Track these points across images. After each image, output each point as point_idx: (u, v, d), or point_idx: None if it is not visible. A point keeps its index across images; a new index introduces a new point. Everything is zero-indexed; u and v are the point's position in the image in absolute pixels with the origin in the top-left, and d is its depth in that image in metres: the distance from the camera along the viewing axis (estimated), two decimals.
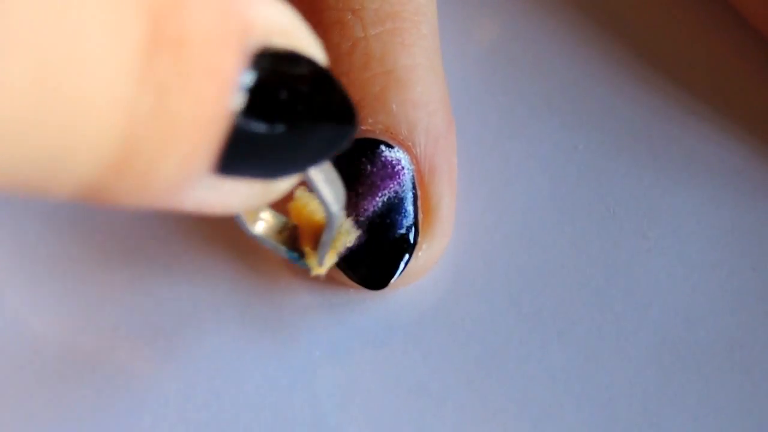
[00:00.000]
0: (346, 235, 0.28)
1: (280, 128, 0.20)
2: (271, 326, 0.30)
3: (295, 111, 0.20)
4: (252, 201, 0.21)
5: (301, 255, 0.27)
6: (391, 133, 0.29)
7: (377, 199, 0.28)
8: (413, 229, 0.29)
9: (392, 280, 0.29)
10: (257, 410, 0.29)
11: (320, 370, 0.29)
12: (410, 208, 0.29)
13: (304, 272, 0.29)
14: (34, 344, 0.29)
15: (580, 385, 0.29)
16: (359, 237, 0.28)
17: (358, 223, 0.28)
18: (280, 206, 0.27)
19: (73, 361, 0.29)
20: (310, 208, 0.27)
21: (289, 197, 0.26)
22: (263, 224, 0.27)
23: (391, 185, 0.28)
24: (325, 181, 0.24)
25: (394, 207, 0.29)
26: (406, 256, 0.29)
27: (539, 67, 0.33)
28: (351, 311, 0.30)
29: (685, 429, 0.29)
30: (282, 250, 0.27)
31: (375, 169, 0.28)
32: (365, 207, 0.28)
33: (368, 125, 0.29)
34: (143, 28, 0.18)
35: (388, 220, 0.28)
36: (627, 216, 0.31)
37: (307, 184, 0.24)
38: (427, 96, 0.29)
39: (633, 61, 0.33)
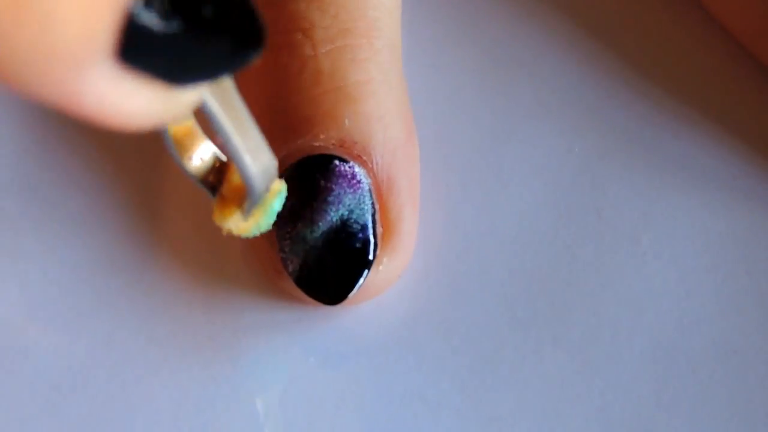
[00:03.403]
0: (275, 197, 0.27)
1: (174, 26, 0.19)
2: (265, 333, 0.30)
3: (191, 12, 0.19)
4: (154, 108, 0.20)
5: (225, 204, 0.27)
6: (345, 148, 0.29)
7: (332, 213, 0.28)
8: (371, 243, 0.28)
9: (350, 295, 0.28)
10: (252, 417, 0.29)
11: (315, 376, 0.29)
12: (368, 222, 0.28)
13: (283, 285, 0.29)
14: (27, 350, 0.29)
15: (575, 390, 0.29)
16: (314, 254, 0.28)
17: (313, 239, 0.28)
18: None
19: (66, 368, 0.29)
20: None
21: None
22: (199, 161, 0.26)
23: (347, 199, 0.28)
24: (241, 138, 0.23)
25: (351, 221, 0.28)
26: (364, 271, 0.28)
27: (534, 71, 0.33)
28: (346, 318, 0.30)
29: None
30: (208, 192, 0.27)
31: (329, 184, 0.28)
32: (319, 221, 0.28)
33: (321, 141, 0.28)
34: None
35: (343, 235, 0.28)
36: (621, 220, 0.31)
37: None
38: (381, 109, 0.29)
39: (628, 66, 0.33)
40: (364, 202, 0.28)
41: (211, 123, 0.23)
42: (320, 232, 0.28)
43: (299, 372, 0.29)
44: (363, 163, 0.29)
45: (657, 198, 0.31)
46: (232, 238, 0.31)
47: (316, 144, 0.28)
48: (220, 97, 0.22)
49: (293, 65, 0.29)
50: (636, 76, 0.33)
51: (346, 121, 0.29)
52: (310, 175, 0.28)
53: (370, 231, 0.28)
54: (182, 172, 0.26)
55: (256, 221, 0.27)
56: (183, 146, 0.26)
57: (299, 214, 0.28)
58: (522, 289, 0.30)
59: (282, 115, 0.29)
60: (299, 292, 0.29)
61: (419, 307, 0.30)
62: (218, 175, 0.26)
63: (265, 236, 0.29)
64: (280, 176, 0.28)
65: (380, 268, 0.29)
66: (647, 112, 0.33)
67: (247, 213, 0.26)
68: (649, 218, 0.31)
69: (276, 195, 0.27)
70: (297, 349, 0.30)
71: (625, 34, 0.34)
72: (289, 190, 0.28)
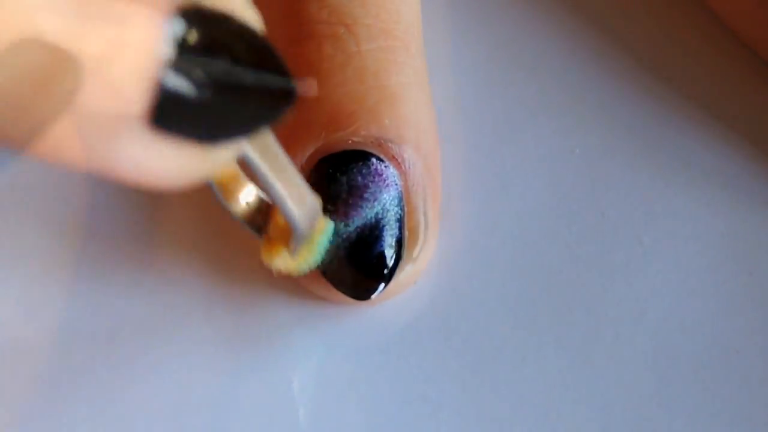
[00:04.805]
0: (321, 235, 0.28)
1: (206, 92, 0.19)
2: (266, 333, 0.30)
3: (223, 76, 0.20)
4: (190, 168, 0.20)
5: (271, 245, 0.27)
6: (383, 147, 0.29)
7: (367, 210, 0.28)
8: (399, 243, 0.29)
9: (376, 293, 0.29)
10: (251, 417, 0.29)
11: (316, 376, 0.29)
12: (396, 222, 0.29)
13: (301, 279, 0.29)
14: (29, 350, 0.29)
15: (577, 390, 0.29)
16: (345, 249, 0.28)
17: (347, 233, 0.28)
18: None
19: (67, 367, 0.29)
20: None
21: None
22: (244, 204, 0.27)
23: (382, 197, 0.29)
24: (282, 185, 0.24)
25: (383, 219, 0.28)
26: (391, 268, 0.28)
27: (536, 70, 0.33)
28: (347, 318, 0.30)
29: None
30: (255, 234, 0.27)
31: (366, 181, 0.28)
32: (354, 216, 0.28)
33: (361, 137, 0.29)
34: None
35: (376, 233, 0.28)
36: (623, 220, 0.31)
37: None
38: (417, 114, 0.29)
39: (630, 65, 0.33)
40: (395, 203, 0.29)
41: (252, 172, 0.23)
42: (354, 227, 0.28)
43: (300, 372, 0.29)
44: (397, 165, 0.29)
45: (659, 197, 0.31)
46: (232, 241, 0.31)
47: (356, 139, 0.29)
48: (259, 147, 0.23)
49: (337, 58, 0.29)
50: (638, 75, 0.33)
51: (387, 121, 0.29)
52: (347, 169, 0.28)
53: (398, 232, 0.29)
54: (229, 215, 0.27)
55: (304, 259, 0.28)
56: (227, 190, 0.26)
57: (333, 207, 0.28)
58: (523, 289, 0.30)
59: (323, 105, 0.29)
60: (321, 287, 0.29)
61: (419, 307, 0.30)
62: (264, 216, 0.27)
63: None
64: (315, 166, 0.29)
65: (404, 269, 0.29)
66: (650, 112, 0.33)
67: (293, 252, 0.27)
68: (651, 218, 0.31)
69: (322, 232, 0.27)
70: (298, 349, 0.30)
71: (628, 33, 0.34)
72: (323, 182, 0.28)
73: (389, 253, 0.28)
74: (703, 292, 0.30)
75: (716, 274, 0.30)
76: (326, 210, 0.28)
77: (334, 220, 0.28)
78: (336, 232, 0.28)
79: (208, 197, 0.31)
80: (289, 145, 0.29)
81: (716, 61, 0.33)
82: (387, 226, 0.29)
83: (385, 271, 0.28)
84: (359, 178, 0.28)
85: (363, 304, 0.29)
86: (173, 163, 0.20)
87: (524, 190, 0.32)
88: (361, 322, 0.30)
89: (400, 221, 0.29)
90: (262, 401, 0.29)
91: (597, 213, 0.31)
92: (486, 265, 0.31)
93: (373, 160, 0.29)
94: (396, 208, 0.29)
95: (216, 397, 0.29)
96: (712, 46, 0.34)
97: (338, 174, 0.28)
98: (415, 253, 0.29)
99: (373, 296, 0.29)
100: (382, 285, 0.29)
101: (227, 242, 0.31)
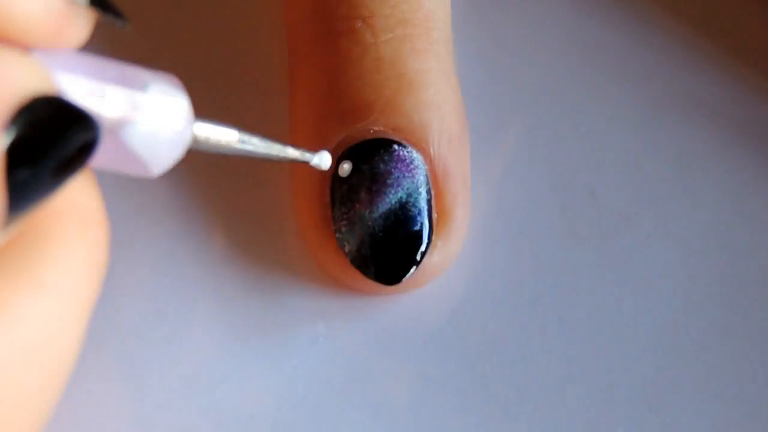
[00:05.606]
0: None
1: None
2: (267, 332, 0.30)
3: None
4: None
5: None
6: (405, 134, 0.30)
7: (390, 196, 0.29)
8: (427, 226, 0.29)
9: (407, 275, 0.29)
10: (255, 414, 0.29)
11: (318, 375, 0.30)
12: (424, 205, 0.29)
13: (305, 276, 0.29)
14: None
15: (576, 389, 0.29)
16: (374, 234, 0.29)
17: (371, 219, 0.29)
18: None
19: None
20: None
21: None
22: None
23: (405, 183, 0.29)
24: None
25: (408, 204, 0.29)
26: (420, 251, 0.29)
27: (535, 56, 0.34)
28: (346, 319, 0.30)
29: (685, 419, 0.29)
30: None
31: (389, 167, 0.29)
32: (378, 203, 0.29)
33: (381, 126, 0.30)
34: None
35: (401, 218, 0.29)
36: (624, 203, 0.32)
37: None
38: (439, 98, 0.30)
39: (632, 49, 0.34)
40: (421, 187, 0.29)
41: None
42: (378, 213, 0.29)
43: (301, 372, 0.29)
44: (421, 150, 0.30)
45: (662, 183, 0.32)
46: (235, 234, 0.31)
47: (377, 128, 0.29)
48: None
49: (354, 51, 0.30)
50: (642, 58, 0.33)
51: (406, 109, 0.30)
52: (370, 158, 0.29)
53: (426, 215, 0.29)
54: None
55: None
56: None
57: (357, 195, 0.29)
58: (523, 285, 0.31)
59: (342, 98, 0.30)
60: (348, 274, 0.29)
61: (423, 293, 0.30)
62: None
63: (319, 217, 0.29)
64: (340, 158, 0.29)
65: (435, 251, 0.30)
66: (654, 97, 0.33)
67: None
68: (653, 201, 0.31)
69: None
70: (299, 348, 0.30)
71: (628, 16, 0.34)
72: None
73: (416, 237, 0.29)
74: (705, 276, 0.31)
75: (719, 259, 0.31)
76: (351, 199, 0.29)
77: (358, 207, 0.29)
78: (361, 219, 0.29)
79: (215, 188, 0.31)
80: (316, 137, 0.30)
81: (716, 42, 0.34)
82: (412, 211, 0.29)
83: (414, 254, 0.29)
84: (381, 165, 0.29)
85: (389, 290, 0.30)
86: None
87: (526, 172, 0.32)
88: (361, 322, 0.30)
89: (428, 204, 0.29)
90: (262, 401, 0.29)
91: (592, 196, 0.32)
92: (487, 258, 0.31)
93: (395, 146, 0.29)
94: (422, 191, 0.29)
95: (217, 397, 0.29)
96: (708, 26, 0.34)
97: (361, 163, 0.29)
98: (447, 234, 0.30)
99: (405, 278, 0.29)
100: (412, 268, 0.29)
101: (232, 241, 0.31)
